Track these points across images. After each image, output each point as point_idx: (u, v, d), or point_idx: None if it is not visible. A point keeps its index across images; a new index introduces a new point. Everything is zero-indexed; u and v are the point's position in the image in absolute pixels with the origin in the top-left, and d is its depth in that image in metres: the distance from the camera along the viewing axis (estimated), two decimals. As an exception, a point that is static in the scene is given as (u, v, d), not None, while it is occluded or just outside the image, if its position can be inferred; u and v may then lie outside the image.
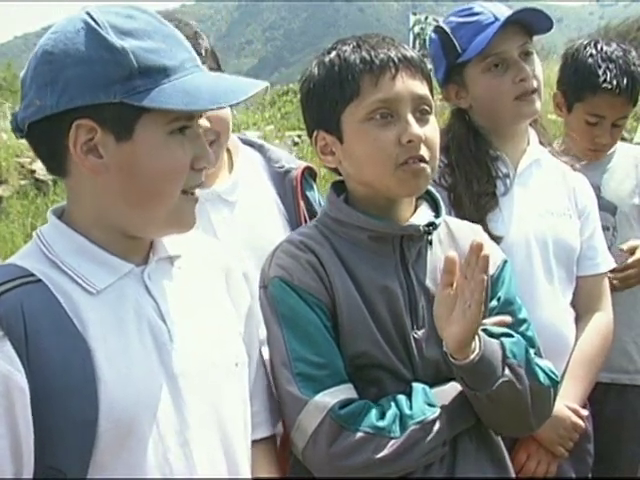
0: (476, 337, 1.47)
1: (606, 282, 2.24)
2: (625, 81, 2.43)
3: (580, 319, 2.15)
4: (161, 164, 1.27)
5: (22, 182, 9.24)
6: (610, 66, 2.44)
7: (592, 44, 2.49)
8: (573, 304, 2.16)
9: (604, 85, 2.41)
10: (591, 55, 2.46)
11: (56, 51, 1.25)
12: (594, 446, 2.21)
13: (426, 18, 12.30)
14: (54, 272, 1.27)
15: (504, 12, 2.07)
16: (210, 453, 1.32)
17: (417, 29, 11.99)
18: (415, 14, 12.64)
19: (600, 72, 2.43)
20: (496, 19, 2.05)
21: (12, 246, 7.71)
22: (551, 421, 1.76)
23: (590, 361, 2.12)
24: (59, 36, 1.26)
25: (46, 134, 1.28)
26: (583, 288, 2.18)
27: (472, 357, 1.45)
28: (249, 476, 1.42)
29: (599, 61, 2.45)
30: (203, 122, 1.74)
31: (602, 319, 2.18)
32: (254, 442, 1.48)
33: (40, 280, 1.24)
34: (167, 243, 1.39)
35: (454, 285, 1.45)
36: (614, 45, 2.49)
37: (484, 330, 1.52)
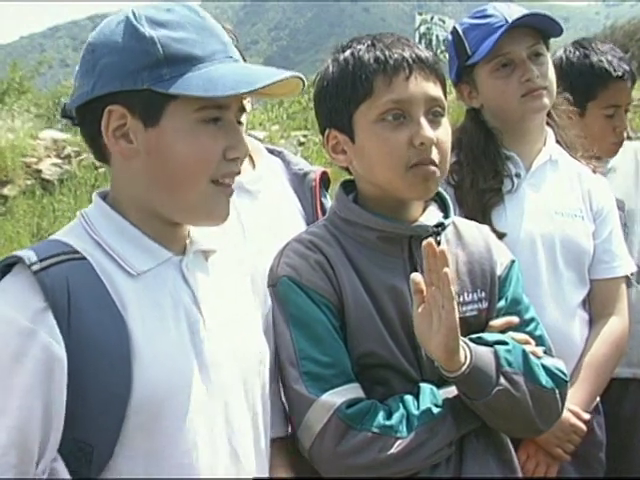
0: (466, 348, 1.47)
1: (623, 286, 2.21)
2: (626, 65, 2.53)
3: (594, 323, 2.15)
4: (187, 151, 1.30)
5: (28, 182, 9.27)
6: (608, 57, 2.51)
7: (578, 48, 2.55)
8: (588, 307, 2.15)
9: (615, 74, 2.48)
10: (586, 55, 2.52)
11: (97, 42, 1.33)
12: (609, 445, 2.18)
13: (432, 18, 12.27)
14: (97, 251, 1.30)
15: (515, 15, 2.09)
16: (239, 442, 1.35)
17: (423, 29, 11.96)
18: (421, 14, 12.60)
19: (605, 65, 2.49)
20: (506, 22, 2.07)
21: (18, 246, 7.72)
22: None
23: (599, 366, 2.10)
24: (103, 29, 1.34)
25: (86, 119, 1.34)
26: (598, 291, 2.16)
27: (463, 369, 1.46)
28: (265, 473, 1.43)
29: (598, 56, 2.51)
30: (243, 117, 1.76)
31: (616, 324, 2.15)
32: (271, 441, 1.50)
33: (84, 258, 1.28)
34: (203, 237, 1.43)
35: (425, 300, 1.43)
36: (597, 42, 2.57)
37: (478, 338, 1.53)
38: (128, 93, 1.28)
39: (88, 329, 1.22)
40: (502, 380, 1.48)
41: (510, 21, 2.06)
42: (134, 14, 1.31)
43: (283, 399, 1.57)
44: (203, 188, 1.32)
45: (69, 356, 1.20)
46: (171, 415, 1.26)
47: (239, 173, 1.38)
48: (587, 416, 2.04)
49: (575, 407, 2.01)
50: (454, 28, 2.21)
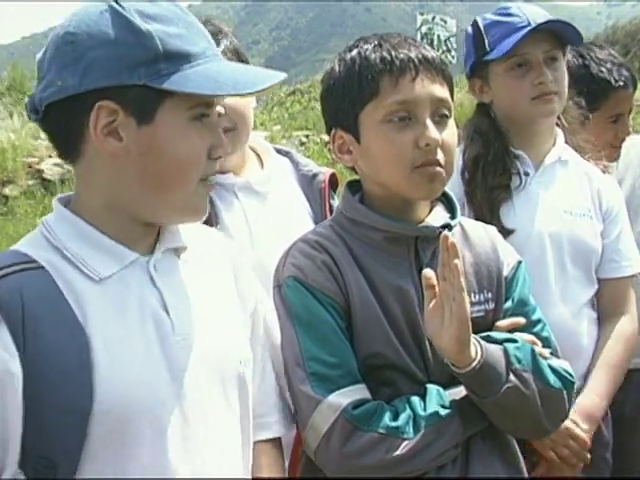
0: (477, 344, 1.47)
1: (631, 286, 2.22)
2: (626, 72, 2.53)
3: (604, 322, 2.15)
4: (181, 150, 1.27)
5: (30, 182, 9.26)
6: (608, 66, 2.52)
7: (577, 57, 2.53)
8: (595, 306, 2.15)
9: (616, 85, 2.48)
10: (585, 65, 2.52)
11: (79, 32, 1.24)
12: (613, 445, 2.19)
13: (433, 18, 12.25)
14: (57, 259, 1.26)
15: (538, 18, 2.10)
16: (211, 450, 1.30)
17: (424, 29, 11.94)
18: (422, 14, 12.57)
19: (606, 76, 2.50)
20: (529, 24, 2.08)
21: (20, 246, 7.72)
22: None
23: (614, 365, 2.11)
24: (82, 18, 1.26)
25: (65, 115, 1.26)
26: (607, 290, 2.17)
27: (474, 364, 1.45)
28: (248, 475, 1.40)
29: (598, 66, 2.52)
30: (218, 108, 1.75)
31: (627, 324, 2.16)
32: (261, 442, 1.48)
33: (41, 267, 1.23)
34: (173, 234, 1.38)
35: (437, 294, 1.43)
36: (595, 48, 2.56)
37: (487, 337, 1.52)
38: (120, 88, 1.23)
39: (44, 340, 1.17)
40: (512, 377, 1.48)
41: (533, 24, 2.07)
42: (119, 4, 1.25)
43: (277, 395, 1.55)
44: (193, 187, 1.30)
45: (25, 370, 1.16)
46: (138, 426, 1.21)
47: (216, 173, 1.36)
48: (586, 426, 2.02)
49: (576, 416, 2.00)
50: (475, 22, 2.22)
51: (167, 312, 1.29)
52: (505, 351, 1.50)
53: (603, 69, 2.51)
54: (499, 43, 2.11)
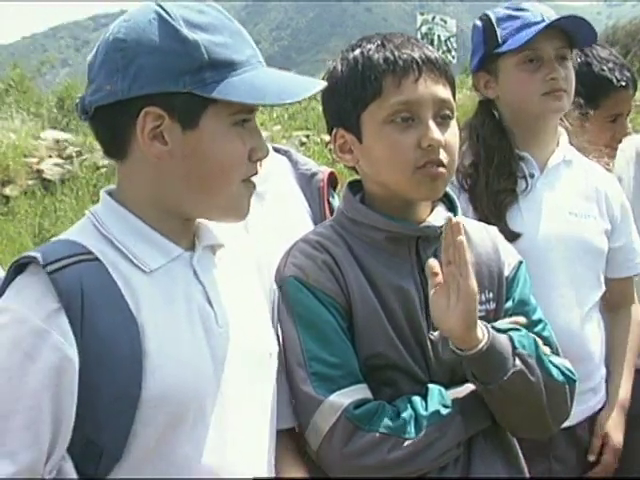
0: (483, 327, 1.47)
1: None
2: (627, 73, 2.53)
3: (614, 312, 2.25)
4: (223, 154, 1.32)
5: (30, 182, 9.26)
6: (610, 65, 2.52)
7: (579, 54, 2.53)
8: (601, 308, 2.18)
9: (617, 84, 2.49)
10: (587, 63, 2.52)
11: (128, 39, 1.29)
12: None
13: (433, 18, 12.25)
14: (108, 249, 1.30)
15: (551, 15, 2.10)
16: (244, 439, 1.35)
17: (424, 29, 11.93)
18: (422, 14, 12.57)
19: (608, 74, 2.50)
20: (543, 19, 2.08)
21: (20, 246, 7.72)
22: None
23: (632, 357, 2.20)
24: (131, 24, 1.31)
25: (113, 118, 1.32)
26: (616, 285, 2.22)
27: (481, 346, 1.44)
28: (273, 466, 1.44)
29: (600, 65, 2.52)
30: None
31: (638, 312, 2.28)
32: (280, 432, 1.50)
33: (97, 259, 1.27)
34: (210, 232, 1.43)
35: (443, 279, 1.44)
36: (597, 47, 2.56)
37: (491, 327, 1.51)
38: (167, 95, 1.27)
39: (100, 331, 1.22)
40: (518, 362, 1.48)
41: (547, 20, 2.07)
42: (167, 13, 1.30)
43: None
44: (235, 188, 1.34)
45: (81, 358, 1.20)
46: (182, 414, 1.26)
47: (257, 173, 1.39)
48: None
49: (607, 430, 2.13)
50: (485, 15, 2.20)
51: (211, 305, 1.35)
52: (510, 338, 1.50)
53: (605, 68, 2.51)
54: (512, 36, 2.09)
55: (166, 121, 1.28)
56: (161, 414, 1.24)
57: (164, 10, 1.30)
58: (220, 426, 1.30)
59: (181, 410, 1.26)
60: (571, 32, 2.10)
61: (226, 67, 1.29)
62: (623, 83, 2.50)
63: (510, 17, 2.13)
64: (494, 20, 2.16)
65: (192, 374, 1.28)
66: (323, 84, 1.39)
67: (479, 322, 1.46)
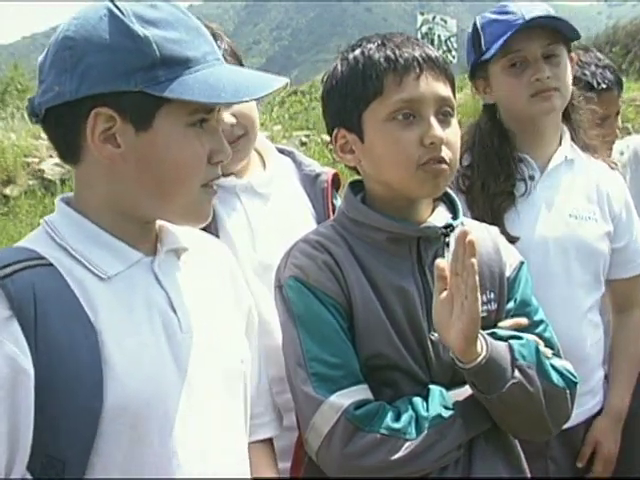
0: (482, 339, 1.46)
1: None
2: (610, 75, 2.55)
3: (617, 315, 2.24)
4: (179, 156, 1.25)
5: (30, 182, 9.27)
6: (592, 69, 2.54)
7: None
8: (599, 310, 2.17)
9: (599, 87, 2.50)
10: None
11: (77, 37, 1.23)
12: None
13: (434, 18, 12.27)
14: (64, 257, 1.24)
15: (533, 13, 2.06)
16: (216, 448, 1.29)
17: (425, 29, 11.95)
18: (422, 14, 12.59)
19: (589, 78, 2.52)
20: (523, 19, 2.04)
21: (20, 245, 7.72)
22: None
23: (634, 360, 2.19)
24: (81, 22, 1.24)
25: (63, 120, 1.25)
26: (619, 286, 2.22)
27: (479, 359, 1.44)
28: (248, 474, 1.40)
29: (582, 69, 2.52)
30: (229, 119, 1.75)
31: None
32: (257, 442, 1.48)
33: (51, 264, 1.21)
34: (173, 235, 1.38)
35: (448, 287, 1.43)
36: (579, 51, 2.54)
37: (492, 334, 1.51)
38: (117, 95, 1.20)
39: (56, 338, 1.15)
40: (517, 373, 1.47)
41: (523, 20, 2.03)
42: (118, 9, 1.23)
43: (271, 396, 1.57)
44: (195, 192, 1.29)
45: (36, 368, 1.13)
46: (147, 424, 1.20)
47: (219, 177, 1.34)
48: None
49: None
50: (474, 22, 2.18)
51: (174, 310, 1.29)
52: (510, 347, 1.49)
53: (587, 72, 2.51)
54: (495, 41, 2.06)
55: (118, 122, 1.22)
56: (123, 425, 1.17)
57: (115, 6, 1.23)
58: (187, 436, 1.24)
59: (145, 421, 1.20)
60: (557, 28, 2.06)
61: (180, 64, 1.22)
62: (604, 86, 2.50)
63: (493, 22, 2.11)
64: (479, 26, 2.14)
65: (155, 382, 1.22)
66: (283, 81, 1.31)
67: (478, 335, 1.45)
